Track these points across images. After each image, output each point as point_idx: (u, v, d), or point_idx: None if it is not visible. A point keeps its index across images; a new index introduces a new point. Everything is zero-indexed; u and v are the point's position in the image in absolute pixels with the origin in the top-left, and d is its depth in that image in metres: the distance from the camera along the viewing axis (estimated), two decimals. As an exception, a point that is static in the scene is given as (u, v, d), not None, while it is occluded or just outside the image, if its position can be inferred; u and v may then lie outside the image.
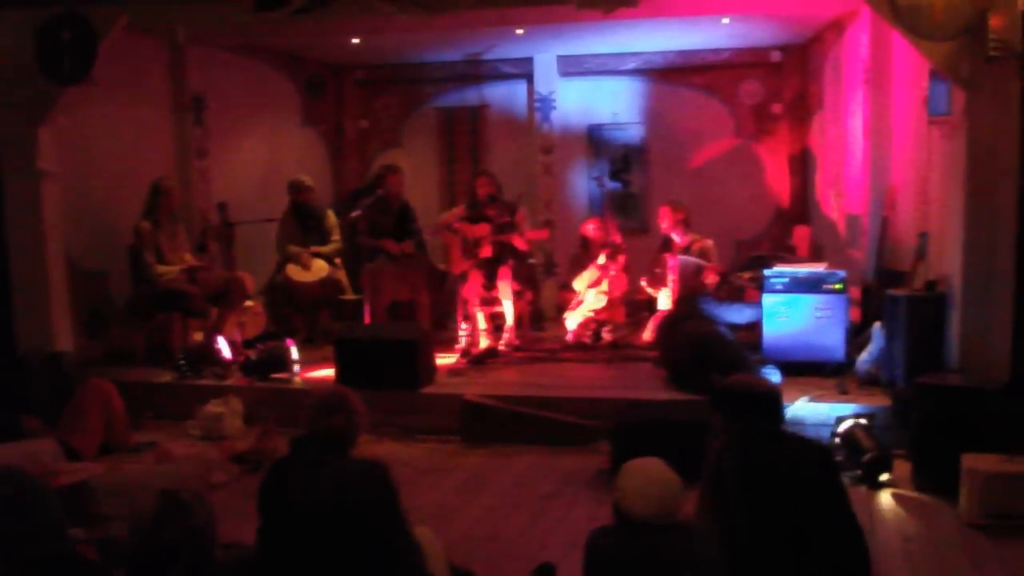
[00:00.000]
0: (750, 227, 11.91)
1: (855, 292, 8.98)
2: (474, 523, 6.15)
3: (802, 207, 11.69)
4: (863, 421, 6.87)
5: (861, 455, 6.60)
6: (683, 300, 8.92)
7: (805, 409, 7.41)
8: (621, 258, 9.83)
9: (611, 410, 7.33)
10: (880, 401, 7.42)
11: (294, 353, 8.82)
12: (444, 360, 9.25)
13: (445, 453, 7.67)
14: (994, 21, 6.64)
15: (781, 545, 3.92)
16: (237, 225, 9.94)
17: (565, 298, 10.32)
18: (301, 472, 3.99)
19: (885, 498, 6.39)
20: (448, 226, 9.90)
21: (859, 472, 6.58)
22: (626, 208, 12.15)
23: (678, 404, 7.48)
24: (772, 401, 4.24)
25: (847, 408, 7.23)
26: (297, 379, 8.77)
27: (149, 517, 3.20)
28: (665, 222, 9.76)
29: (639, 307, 10.32)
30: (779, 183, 11.90)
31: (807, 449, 4.31)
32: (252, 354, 9.03)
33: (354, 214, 10.19)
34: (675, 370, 8.17)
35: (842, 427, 6.87)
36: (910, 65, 8.26)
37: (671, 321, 8.73)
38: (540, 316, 11.12)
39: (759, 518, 3.93)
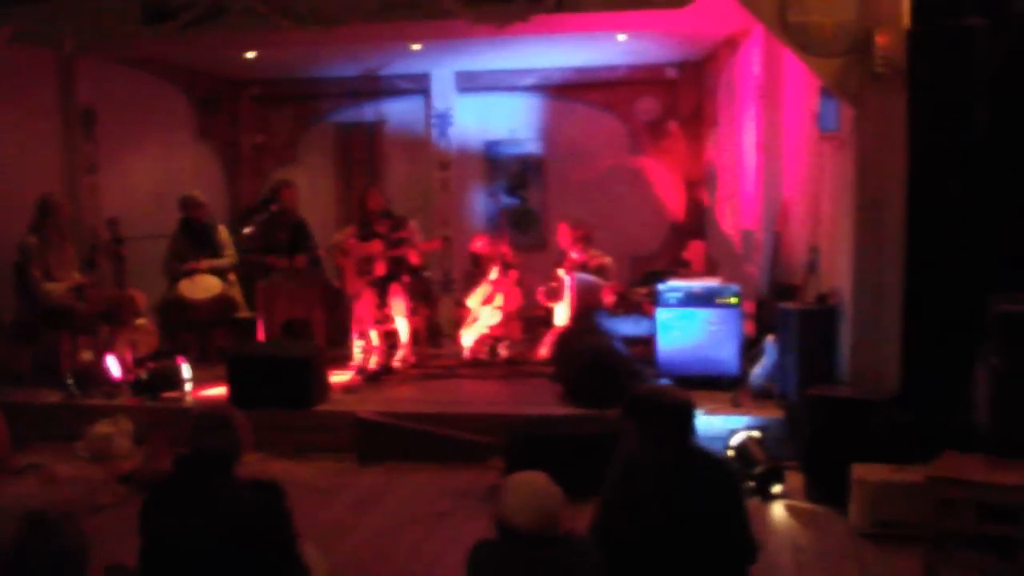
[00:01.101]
0: (646, 243, 11.95)
1: (749, 306, 9.05)
2: (366, 542, 6.11)
3: (698, 223, 11.76)
4: (755, 434, 6.94)
5: (754, 467, 6.66)
6: (579, 316, 8.90)
7: (699, 422, 7.40)
8: (513, 273, 9.81)
9: (505, 426, 7.26)
10: (773, 414, 7.48)
11: (186, 371, 8.65)
12: (339, 378, 9.16)
13: (339, 471, 7.59)
14: (880, 39, 6.75)
15: (677, 548, 3.96)
16: (127, 241, 9.72)
17: (461, 314, 10.25)
18: (185, 493, 3.91)
19: (777, 509, 6.46)
20: (339, 247, 9.76)
21: (752, 484, 6.61)
22: (523, 224, 12.14)
23: (572, 419, 7.46)
24: (686, 411, 4.24)
25: (740, 421, 7.28)
26: (189, 398, 8.59)
27: (11, 539, 3.05)
28: (564, 239, 9.72)
29: (536, 323, 10.29)
30: (675, 199, 11.98)
31: (714, 462, 4.33)
32: (143, 373, 8.81)
33: (247, 230, 10.04)
34: (570, 385, 8.15)
35: (735, 440, 6.92)
36: (801, 82, 8.34)
37: (567, 337, 8.72)
38: (437, 332, 11.03)
39: (661, 520, 3.97)
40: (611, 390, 7.47)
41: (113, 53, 10.52)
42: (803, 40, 7.01)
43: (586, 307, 8.90)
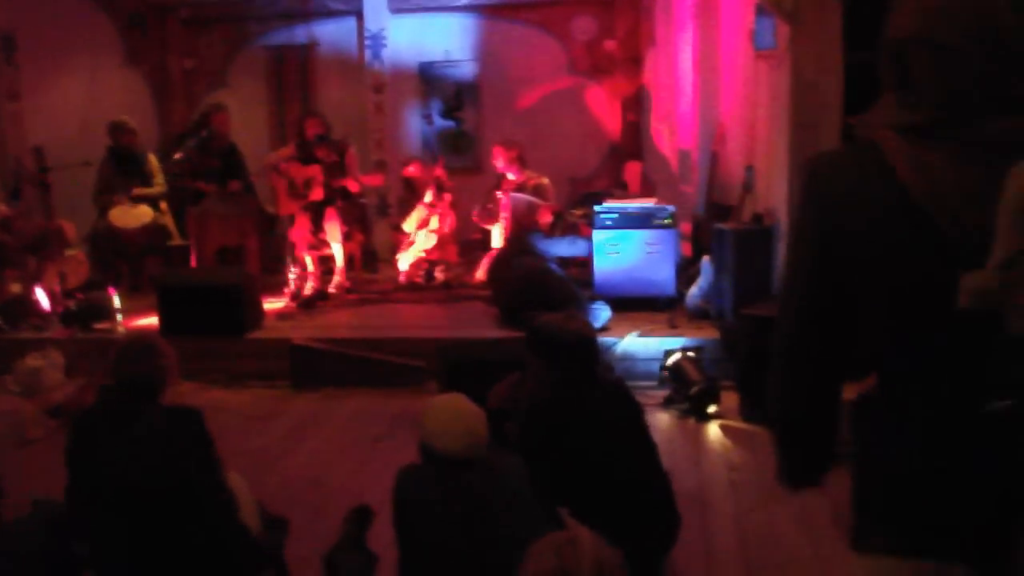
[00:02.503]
0: (584, 164, 11.86)
1: (686, 227, 9.02)
2: (298, 469, 6.04)
3: (636, 144, 11.66)
4: (691, 354, 6.91)
5: (689, 387, 6.64)
6: (514, 237, 8.81)
7: (635, 344, 7.42)
8: (447, 195, 9.70)
9: (439, 350, 7.20)
10: (709, 334, 7.47)
11: (116, 302, 8.48)
12: (274, 305, 9.07)
13: (274, 398, 7.54)
14: (817, -48, 6.66)
15: (586, 486, 3.94)
16: (53, 170, 9.53)
17: (397, 239, 10.15)
18: (109, 423, 3.83)
19: (713, 429, 6.47)
20: (275, 167, 9.58)
21: (687, 404, 6.61)
22: (459, 147, 12.02)
23: (506, 342, 7.39)
24: (585, 343, 4.20)
25: (676, 342, 7.25)
26: (120, 328, 8.44)
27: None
28: (499, 161, 9.58)
29: (473, 246, 10.22)
30: (612, 120, 11.87)
31: (616, 394, 4.30)
32: (72, 304, 8.65)
33: (177, 156, 9.85)
34: (505, 307, 8.09)
35: (670, 360, 6.89)
36: (736, 0, 8.25)
37: (502, 258, 8.63)
38: (374, 258, 10.94)
39: (565, 458, 3.96)
40: (547, 312, 7.41)
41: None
42: (737, -45, 6.90)
43: (522, 228, 8.81)
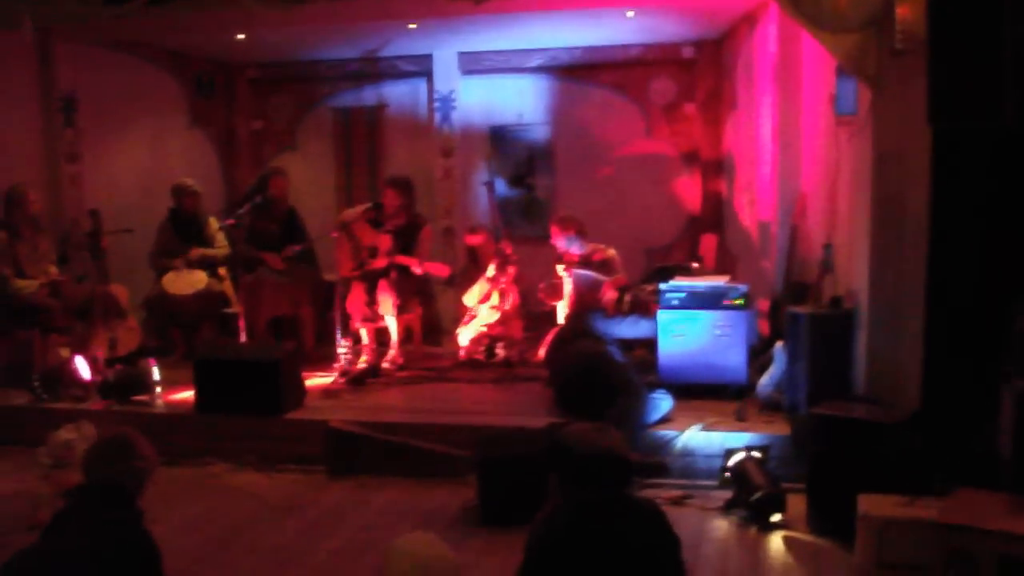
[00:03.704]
0: (662, 235, 11.20)
1: (764, 304, 8.34)
2: (314, 571, 5.57)
3: (716, 214, 11.00)
4: (756, 454, 6.24)
5: (751, 492, 5.95)
6: (574, 317, 8.22)
7: (697, 438, 6.78)
8: (511, 269, 9.20)
9: (480, 440, 6.63)
10: (780, 430, 6.79)
11: (155, 373, 8.10)
12: (322, 380, 8.64)
13: (306, 485, 7.04)
14: (901, 10, 5.95)
15: None
16: (107, 234, 9.19)
17: (463, 311, 9.63)
18: (72, 528, 3.58)
19: (775, 541, 5.79)
20: (347, 225, 9.18)
21: (749, 511, 5.93)
22: (530, 214, 11.45)
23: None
24: (609, 462, 3.60)
25: (742, 438, 6.60)
26: (159, 402, 8.09)
27: None
28: (558, 240, 9.00)
29: (541, 320, 9.60)
30: (692, 188, 11.21)
31: (648, 524, 3.68)
32: (111, 375, 8.26)
33: (228, 222, 9.47)
34: (560, 394, 7.50)
35: (733, 460, 6.22)
36: (818, 61, 7.61)
37: (560, 339, 8.05)
38: (437, 330, 10.40)
39: None
40: (601, 400, 6.85)
41: (93, 36, 9.98)
42: (815, 13, 6.23)
43: (582, 307, 8.21)
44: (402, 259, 9.09)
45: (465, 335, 9.33)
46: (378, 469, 7.08)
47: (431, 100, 11.54)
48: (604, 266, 8.83)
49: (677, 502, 6.29)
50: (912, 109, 5.95)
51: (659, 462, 6.51)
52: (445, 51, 11.32)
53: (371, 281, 9.01)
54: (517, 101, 11.56)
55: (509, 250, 9.31)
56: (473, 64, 11.43)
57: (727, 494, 6.25)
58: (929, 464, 5.41)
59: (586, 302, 8.26)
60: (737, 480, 6.13)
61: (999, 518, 4.32)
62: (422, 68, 11.57)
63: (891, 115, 6.21)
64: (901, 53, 5.97)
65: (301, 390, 8.06)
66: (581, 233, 8.98)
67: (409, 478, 6.95)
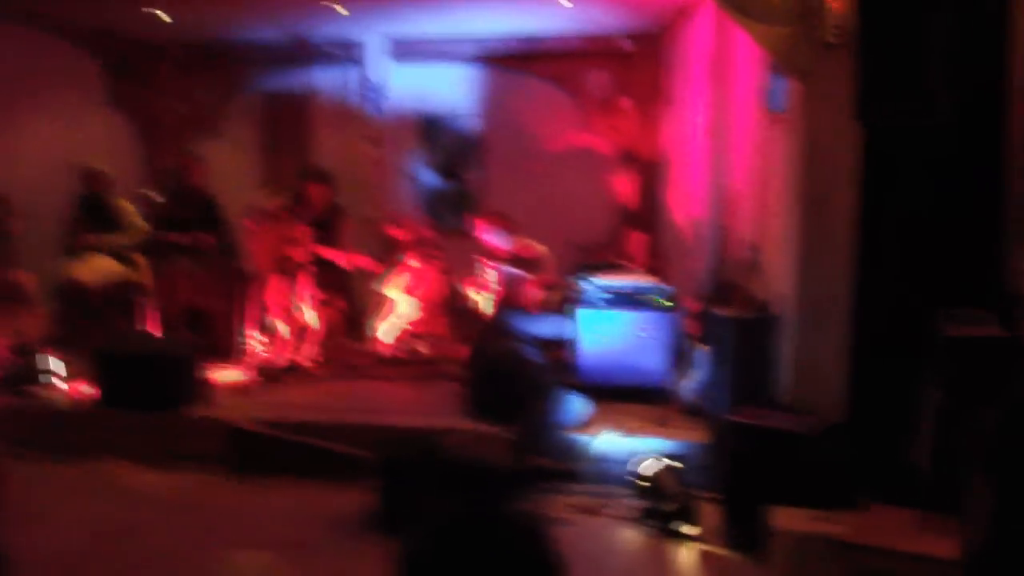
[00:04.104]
0: (593, 232, 10.82)
1: (696, 306, 8.07)
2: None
3: (650, 211, 10.71)
4: (673, 463, 5.95)
5: (665, 503, 5.68)
6: (493, 317, 7.91)
7: (613, 443, 6.49)
8: (437, 259, 8.94)
9: (383, 443, 6.32)
10: (701, 436, 6.52)
11: (54, 365, 7.70)
12: (236, 376, 8.32)
13: (205, 486, 6.76)
14: (832, 2, 5.73)
15: None
16: (16, 218, 8.80)
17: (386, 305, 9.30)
18: None
19: (687, 556, 5.54)
20: (266, 215, 8.83)
21: (661, 523, 5.66)
22: (460, 207, 11.10)
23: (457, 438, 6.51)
24: (482, 478, 3.29)
25: (660, 444, 6.31)
26: (57, 395, 7.72)
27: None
28: (484, 234, 8.68)
29: (465, 317, 9.26)
30: (626, 185, 10.90)
31: (516, 542, 3.36)
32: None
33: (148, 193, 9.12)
34: (473, 394, 7.19)
35: (649, 469, 5.94)
36: (751, 57, 7.34)
37: (479, 338, 7.71)
38: (361, 325, 10.03)
39: None
40: (513, 402, 6.56)
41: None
42: (745, 3, 5.99)
43: (503, 304, 7.90)
44: (324, 251, 8.78)
45: (386, 330, 8.99)
46: (281, 470, 6.77)
47: (362, 87, 11.19)
48: (533, 263, 8.53)
49: (588, 511, 6.03)
50: (841, 105, 5.76)
51: (569, 468, 6.22)
52: (377, 37, 10.97)
53: (291, 274, 8.68)
54: (450, 91, 11.25)
55: (433, 237, 9.06)
56: (405, 51, 11.08)
57: (641, 503, 5.98)
58: (847, 477, 5.17)
59: (509, 299, 7.92)
60: (651, 489, 5.87)
61: (910, 538, 4.06)
62: (353, 54, 11.19)
63: (821, 111, 5.96)
64: (831, 47, 5.78)
65: (208, 386, 7.73)
66: (509, 228, 8.68)
67: (312, 480, 6.64)
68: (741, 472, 5.46)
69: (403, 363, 8.79)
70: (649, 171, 10.80)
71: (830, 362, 5.92)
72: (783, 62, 6.13)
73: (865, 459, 5.19)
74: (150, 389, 7.28)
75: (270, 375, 8.27)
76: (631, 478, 6.10)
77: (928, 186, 5.39)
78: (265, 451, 6.88)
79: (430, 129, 11.37)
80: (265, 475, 6.74)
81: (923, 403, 4.78)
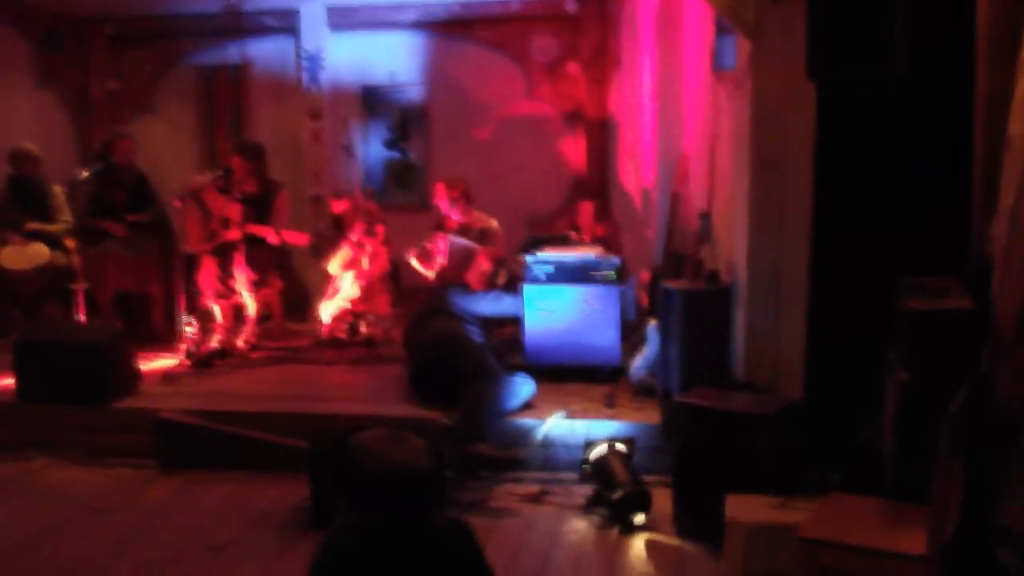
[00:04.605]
0: (543, 203, 10.50)
1: (646, 277, 7.72)
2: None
3: (601, 180, 10.33)
4: (621, 447, 5.59)
5: (613, 490, 5.32)
6: (433, 292, 7.51)
7: (560, 427, 6.13)
8: (380, 229, 8.54)
9: (315, 432, 5.94)
10: (652, 417, 6.18)
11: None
12: (168, 363, 7.91)
13: (132, 482, 6.31)
14: (782, -50, 5.37)
15: None
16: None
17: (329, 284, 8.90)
18: None
19: (637, 546, 5.17)
20: (196, 193, 8.41)
21: (610, 511, 5.31)
22: (405, 180, 10.69)
23: (401, 423, 6.15)
24: (396, 486, 2.92)
25: (608, 427, 5.98)
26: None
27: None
28: (442, 200, 8.29)
29: (410, 296, 8.85)
30: (576, 153, 10.52)
31: (438, 553, 3.01)
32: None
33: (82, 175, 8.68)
34: (411, 377, 6.83)
35: (594, 454, 5.57)
36: (700, 14, 6.98)
37: (416, 316, 7.31)
38: (303, 306, 9.63)
39: None
40: (452, 385, 6.23)
41: None
42: (689, -45, 5.62)
43: (443, 281, 7.51)
44: (256, 229, 8.39)
45: (327, 311, 8.60)
46: (213, 463, 6.39)
47: (298, 58, 10.73)
48: (483, 236, 8.14)
49: (534, 499, 5.70)
50: (794, 62, 5.29)
51: (513, 457, 5.84)
52: (312, 5, 10.56)
53: (224, 254, 8.31)
54: (390, 59, 10.76)
55: (376, 210, 8.69)
56: (343, 19, 10.64)
57: (590, 490, 5.63)
58: (806, 461, 4.82)
59: (453, 274, 7.52)
60: (598, 476, 5.51)
61: (874, 531, 3.70)
62: (288, 24, 10.74)
63: (772, 69, 5.59)
64: (782, 0, 5.36)
65: (134, 375, 7.31)
66: (466, 196, 8.28)
67: (246, 473, 6.26)
68: (693, 457, 5.10)
69: (343, 345, 8.40)
70: (599, 137, 10.41)
71: (787, 337, 5.58)
72: (730, 17, 5.74)
73: (824, 441, 4.84)
74: (73, 381, 6.85)
75: (203, 361, 7.85)
76: (578, 464, 5.75)
77: (890, 147, 4.99)
78: (196, 444, 6.46)
79: (371, 100, 10.89)
80: (197, 469, 6.36)
81: (886, 381, 4.42)
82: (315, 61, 10.59)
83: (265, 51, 10.99)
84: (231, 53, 11.02)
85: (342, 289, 8.56)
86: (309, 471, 5.49)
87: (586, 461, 5.61)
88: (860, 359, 4.87)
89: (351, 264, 8.51)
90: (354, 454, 3.01)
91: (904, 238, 4.93)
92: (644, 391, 6.56)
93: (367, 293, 8.53)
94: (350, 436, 3.12)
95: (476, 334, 6.86)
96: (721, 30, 6.34)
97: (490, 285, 7.55)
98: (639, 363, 6.63)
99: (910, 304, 4.00)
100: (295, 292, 9.51)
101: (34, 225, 8.81)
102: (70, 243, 8.87)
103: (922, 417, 3.95)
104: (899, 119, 4.98)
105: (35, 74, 10.81)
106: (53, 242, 8.86)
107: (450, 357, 6.49)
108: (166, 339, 8.41)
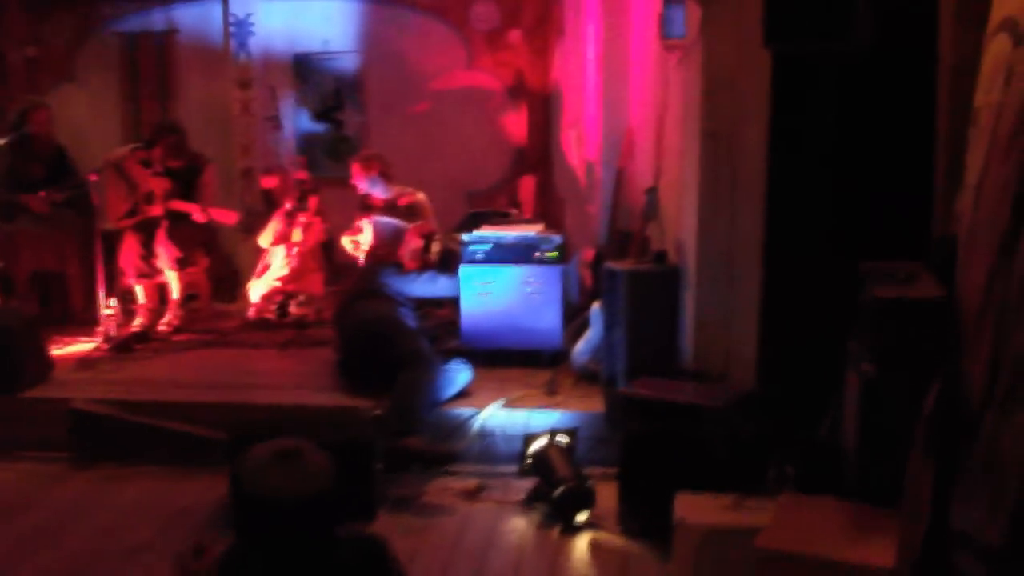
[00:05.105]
0: (484, 177, 10.08)
1: (589, 254, 7.38)
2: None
3: (543, 153, 9.93)
4: (562, 439, 5.25)
5: (554, 486, 4.98)
6: (363, 272, 7.13)
7: (498, 416, 5.79)
8: (313, 200, 8.24)
9: (234, 423, 5.57)
10: (596, 406, 5.86)
11: None
12: (86, 347, 7.49)
13: (42, 478, 5.88)
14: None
15: None
16: None
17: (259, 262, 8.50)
18: None
19: (579, 546, 4.84)
20: (117, 164, 8.01)
21: (551, 508, 4.97)
22: (338, 153, 10.18)
23: (314, 418, 5.79)
24: (282, 514, 2.56)
25: (550, 416, 5.63)
26: None
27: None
28: (360, 180, 7.94)
29: (344, 274, 8.46)
30: (517, 125, 10.12)
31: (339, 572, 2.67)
32: None
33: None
34: (340, 363, 6.46)
35: (533, 447, 5.23)
36: (648, -23, 6.63)
37: (346, 299, 6.93)
38: (233, 286, 9.19)
39: None
40: (383, 372, 5.88)
41: None
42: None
43: (373, 261, 7.13)
44: (180, 205, 8.00)
45: (257, 290, 8.20)
46: (130, 456, 5.99)
47: (226, 25, 10.23)
48: (411, 211, 7.80)
49: (471, 495, 5.36)
50: (748, 28, 5.00)
51: (447, 451, 5.50)
52: (241, -32, 10.06)
53: (147, 231, 7.88)
54: (323, 26, 10.22)
55: (306, 178, 8.39)
56: (273, -18, 10.15)
57: (530, 483, 5.29)
58: (760, 458, 4.49)
59: (383, 253, 7.15)
60: (539, 470, 5.18)
61: (832, 540, 3.39)
62: (217, -13, 10.24)
63: (724, 36, 5.29)
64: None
65: (46, 361, 6.93)
66: (385, 174, 7.95)
67: (165, 466, 5.87)
68: (639, 451, 4.77)
69: (273, 327, 8.01)
70: (541, 109, 9.99)
71: (739, 322, 5.27)
72: (679, -22, 5.40)
73: (779, 436, 4.52)
74: (-21, 368, 6.42)
75: (121, 346, 7.45)
76: (516, 457, 5.42)
77: (850, 120, 4.68)
78: (111, 436, 6.06)
79: (304, 69, 10.41)
80: (113, 463, 5.96)
81: (847, 372, 4.11)
82: (244, 27, 10.07)
83: (191, 17, 10.39)
84: (156, 19, 10.46)
85: (273, 266, 8.16)
86: (229, 466, 5.10)
87: (526, 455, 5.26)
88: (818, 347, 4.57)
89: (282, 238, 8.12)
90: (242, 473, 2.67)
91: (865, 218, 4.64)
92: (587, 377, 6.25)
93: (299, 271, 8.14)
94: (238, 458, 2.77)
95: (409, 317, 6.50)
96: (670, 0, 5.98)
97: (423, 262, 7.19)
98: (582, 347, 6.31)
99: (875, 291, 3.68)
100: (224, 270, 9.10)
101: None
102: (-15, 221, 8.45)
103: (888, 413, 3.67)
104: (860, 90, 4.68)
105: (-55, 40, 10.23)
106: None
107: (381, 342, 6.14)
108: (85, 321, 7.96)
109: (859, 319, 3.89)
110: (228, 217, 8.26)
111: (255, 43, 10.12)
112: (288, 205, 8.11)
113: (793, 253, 4.86)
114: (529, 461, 5.25)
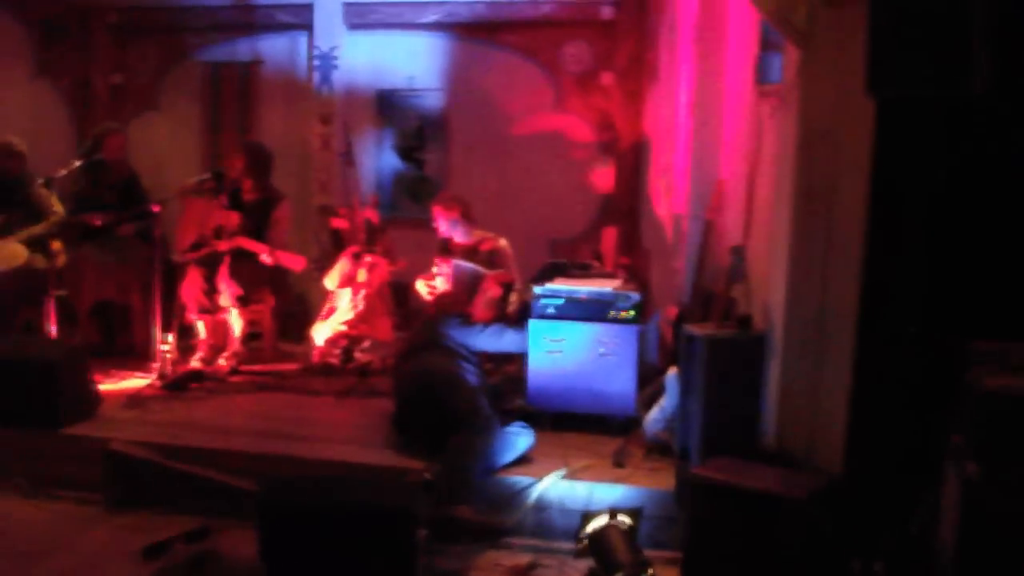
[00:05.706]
0: (569, 225, 9.71)
1: (672, 313, 6.89)
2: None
3: (631, 202, 9.51)
4: (624, 519, 4.76)
5: (612, 571, 4.49)
6: (426, 322, 6.71)
7: (558, 487, 5.32)
8: (381, 240, 8.01)
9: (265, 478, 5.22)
10: (666, 482, 5.35)
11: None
12: (141, 383, 7.24)
13: (75, 520, 5.61)
14: (839, -55, 4.57)
15: None
16: None
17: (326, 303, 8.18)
18: None
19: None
20: (190, 192, 7.94)
21: (608, 596, 4.49)
22: (419, 194, 9.91)
23: (354, 479, 5.39)
24: None
25: (614, 491, 5.17)
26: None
27: None
28: (440, 223, 7.59)
29: (416, 320, 8.09)
30: (606, 171, 9.69)
31: None
32: None
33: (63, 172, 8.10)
34: (395, 417, 6.06)
35: (592, 527, 4.74)
36: (745, 20, 6.16)
37: (406, 349, 6.51)
38: (302, 325, 8.84)
39: None
40: (437, 432, 5.53)
41: None
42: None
43: (438, 311, 6.71)
44: (249, 243, 7.73)
45: (321, 333, 7.85)
46: (167, 502, 5.67)
47: (311, 57, 10.00)
48: (491, 258, 7.42)
49: (522, 573, 4.87)
50: (850, 75, 4.54)
51: (498, 524, 5.07)
52: (328, 0, 9.86)
53: (211, 266, 7.65)
54: (408, 62, 10.00)
55: (376, 218, 8.12)
56: (360, 17, 9.90)
57: (586, 564, 4.82)
58: (842, 552, 3.97)
59: (453, 302, 6.73)
60: (596, 552, 4.68)
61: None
62: (302, 20, 10.02)
63: (824, 82, 4.80)
64: (838, 3, 4.63)
65: (92, 397, 6.63)
66: (466, 216, 7.60)
67: (197, 516, 5.48)
68: (707, 540, 4.28)
69: (334, 372, 7.66)
70: (631, 155, 9.58)
71: (828, 399, 4.74)
72: (779, 22, 4.91)
73: (866, 528, 4.00)
74: (21, 401, 6.21)
75: (176, 384, 7.18)
76: (574, 534, 4.94)
77: (959, 176, 4.18)
78: (146, 481, 5.75)
79: (386, 105, 10.15)
80: (149, 508, 5.65)
81: (946, 466, 3.58)
82: (328, 60, 9.85)
83: (276, 48, 10.25)
84: (241, 49, 10.33)
85: (339, 309, 7.83)
86: (260, 522, 4.71)
87: (583, 534, 4.78)
88: (914, 432, 4.06)
89: (348, 280, 7.79)
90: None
91: (976, 288, 4.11)
92: (660, 448, 5.74)
93: (366, 315, 7.79)
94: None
95: (471, 372, 6.07)
96: (768, 46, 5.53)
97: (500, 313, 6.77)
98: (656, 415, 5.80)
99: (985, 380, 3.15)
100: (294, 309, 8.79)
101: (17, 221, 8.10)
102: (56, 246, 8.23)
103: (993, 521, 3.13)
104: (974, 142, 4.17)
105: (32, 64, 10.16)
106: (34, 243, 8.15)
107: (436, 398, 5.74)
108: (147, 355, 7.67)
109: (963, 408, 3.36)
110: (296, 263, 7.92)
111: (338, 77, 9.93)
112: (356, 252, 7.77)
113: (891, 325, 4.39)
114: (585, 542, 4.76)
